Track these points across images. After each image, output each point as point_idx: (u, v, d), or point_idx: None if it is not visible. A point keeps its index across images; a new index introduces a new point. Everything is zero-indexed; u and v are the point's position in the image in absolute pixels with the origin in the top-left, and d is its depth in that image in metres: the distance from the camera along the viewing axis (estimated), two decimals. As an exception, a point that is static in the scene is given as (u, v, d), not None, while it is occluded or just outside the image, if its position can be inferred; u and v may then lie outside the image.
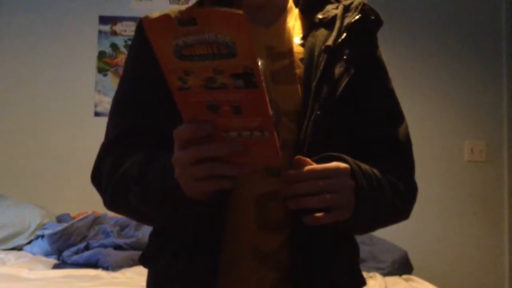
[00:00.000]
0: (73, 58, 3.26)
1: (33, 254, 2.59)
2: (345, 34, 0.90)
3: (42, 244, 2.60)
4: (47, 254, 2.55)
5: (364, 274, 2.49)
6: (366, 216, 0.81)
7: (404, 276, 2.38)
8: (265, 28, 0.94)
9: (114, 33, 3.29)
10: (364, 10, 0.93)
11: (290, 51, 0.91)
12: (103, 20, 3.29)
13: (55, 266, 2.37)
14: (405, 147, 0.95)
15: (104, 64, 3.27)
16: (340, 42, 0.89)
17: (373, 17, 0.94)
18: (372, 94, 0.93)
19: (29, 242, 2.71)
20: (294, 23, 0.96)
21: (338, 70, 0.88)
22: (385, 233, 2.78)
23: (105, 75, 3.25)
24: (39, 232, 2.69)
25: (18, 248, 2.70)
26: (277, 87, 0.88)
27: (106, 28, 3.29)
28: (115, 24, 3.29)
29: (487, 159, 3.22)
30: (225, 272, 0.83)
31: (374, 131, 0.92)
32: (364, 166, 0.83)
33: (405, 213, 0.93)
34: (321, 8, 0.95)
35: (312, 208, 0.75)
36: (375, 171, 0.85)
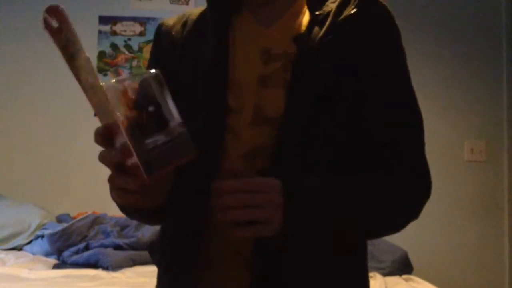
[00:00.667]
0: (73, 58, 3.26)
1: (33, 254, 2.59)
2: (333, 34, 0.84)
3: (42, 244, 2.60)
4: (47, 254, 2.55)
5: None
6: (307, 231, 0.78)
7: (404, 276, 2.38)
8: (265, 28, 0.90)
9: (114, 33, 3.29)
10: (363, 2, 0.86)
11: (285, 52, 0.86)
12: (103, 20, 3.29)
13: (55, 266, 2.37)
14: (411, 153, 0.87)
15: (104, 64, 3.27)
16: (326, 43, 0.83)
17: (375, 9, 0.88)
18: (373, 95, 0.86)
19: (29, 242, 2.71)
20: (301, 18, 0.90)
21: (322, 73, 0.83)
22: (385, 233, 2.78)
23: (105, 75, 3.25)
24: (39, 232, 2.69)
25: (18, 248, 2.70)
26: (265, 91, 0.85)
27: (106, 28, 3.29)
28: (115, 24, 3.29)
29: (487, 159, 3.22)
30: (208, 272, 0.84)
31: (376, 135, 0.86)
32: (313, 181, 0.78)
33: (395, 225, 0.87)
34: (323, 1, 0.89)
35: (236, 220, 0.74)
36: (342, 183, 0.81)
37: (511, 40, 3.25)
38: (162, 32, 0.98)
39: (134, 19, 3.27)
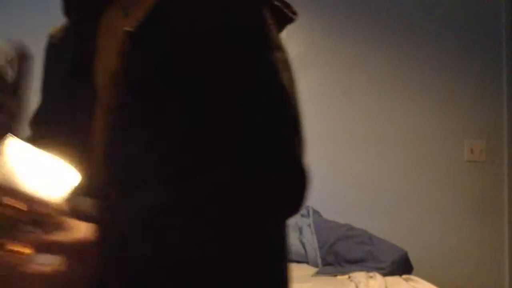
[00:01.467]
0: (73, 58, 3.27)
1: (33, 254, 2.58)
2: (154, 18, 0.74)
3: (42, 244, 2.59)
4: (47, 254, 2.55)
5: (364, 274, 2.47)
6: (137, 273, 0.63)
7: (404, 276, 2.37)
8: (125, 17, 0.80)
9: (114, 33, 3.29)
10: None
11: None
12: (103, 20, 3.29)
13: (55, 266, 2.36)
14: (265, 141, 0.70)
15: (104, 64, 3.27)
16: (146, 28, 0.73)
17: None
18: (209, 83, 0.71)
19: (29, 242, 2.71)
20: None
21: (141, 64, 0.73)
22: (385, 233, 2.77)
23: (105, 75, 3.25)
24: (39, 232, 2.69)
25: (18, 248, 2.70)
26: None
27: (106, 28, 3.29)
28: (115, 24, 3.29)
29: (487, 159, 3.22)
30: None
31: (220, 126, 0.70)
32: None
33: (259, 227, 0.70)
34: None
35: None
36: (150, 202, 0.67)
37: (511, 40, 3.25)
38: (48, 41, 0.98)
39: (134, 19, 3.27)
